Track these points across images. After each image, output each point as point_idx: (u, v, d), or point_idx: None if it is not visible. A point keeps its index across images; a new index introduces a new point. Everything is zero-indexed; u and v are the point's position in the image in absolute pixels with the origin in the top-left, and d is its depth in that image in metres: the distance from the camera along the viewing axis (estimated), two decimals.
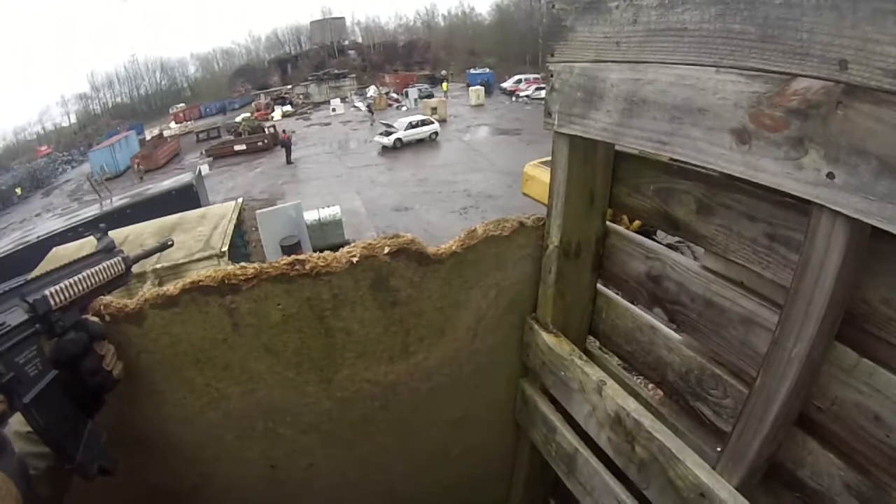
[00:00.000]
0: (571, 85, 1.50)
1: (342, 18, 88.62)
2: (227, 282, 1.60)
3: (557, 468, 2.06)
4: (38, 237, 20.79)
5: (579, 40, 1.44)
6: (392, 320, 1.81)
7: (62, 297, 1.34)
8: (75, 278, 1.42)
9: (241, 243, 16.46)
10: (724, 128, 1.08)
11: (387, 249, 1.66)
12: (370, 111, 51.63)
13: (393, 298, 1.76)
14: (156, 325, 1.60)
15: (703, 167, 1.29)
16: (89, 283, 1.47)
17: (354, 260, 1.65)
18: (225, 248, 13.20)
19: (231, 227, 14.61)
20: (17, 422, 1.23)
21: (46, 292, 1.30)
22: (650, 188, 1.55)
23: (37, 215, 37.82)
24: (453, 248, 1.76)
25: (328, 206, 21.18)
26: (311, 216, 19.98)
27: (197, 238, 11.77)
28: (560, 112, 1.58)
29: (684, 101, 1.16)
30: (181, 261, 11.75)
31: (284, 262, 1.64)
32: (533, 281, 1.95)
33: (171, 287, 1.59)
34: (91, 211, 23.46)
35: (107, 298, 1.57)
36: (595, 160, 1.65)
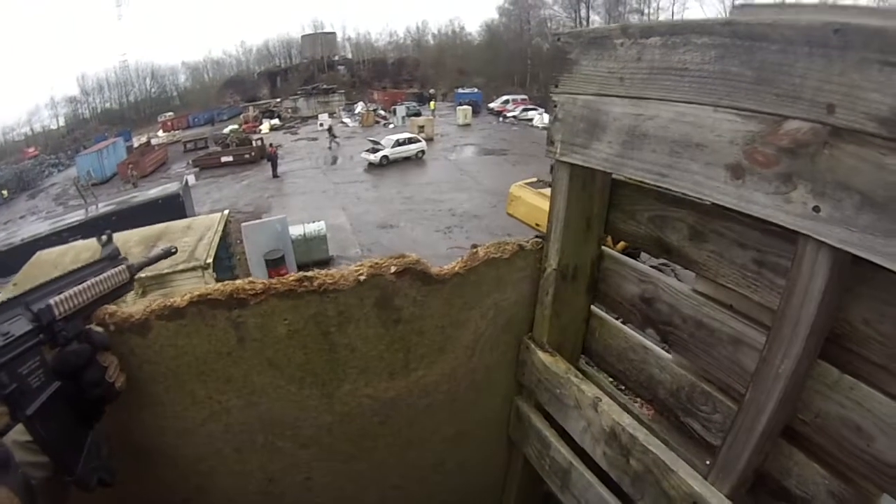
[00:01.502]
0: (574, 116, 1.58)
1: (333, 34, 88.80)
2: (235, 296, 1.61)
3: (551, 482, 2.11)
4: (22, 240, 20.62)
5: (583, 73, 1.53)
6: (394, 338, 1.85)
7: (67, 307, 1.31)
8: (80, 287, 1.39)
9: (226, 255, 16.41)
10: (720, 163, 1.17)
11: (393, 269, 1.71)
12: (331, 135, 46.54)
13: (396, 316, 1.80)
14: (160, 337, 1.60)
15: (698, 198, 1.39)
16: (94, 292, 1.45)
17: (362, 278, 1.69)
18: (210, 260, 13.16)
19: (217, 238, 14.58)
20: (15, 431, 1.20)
21: (51, 301, 1.27)
22: (645, 215, 1.64)
23: (21, 217, 37.42)
24: (456, 268, 1.81)
25: (313, 221, 21.19)
26: (296, 231, 19.99)
27: (182, 248, 11.71)
28: (563, 141, 1.65)
29: (683, 137, 1.24)
30: (165, 271, 11.69)
31: (293, 278, 1.67)
32: (529, 302, 2.01)
33: (179, 299, 1.59)
34: (76, 216, 23.31)
35: (111, 308, 1.55)
36: (593, 188, 1.74)
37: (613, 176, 1.72)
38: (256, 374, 1.77)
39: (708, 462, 1.48)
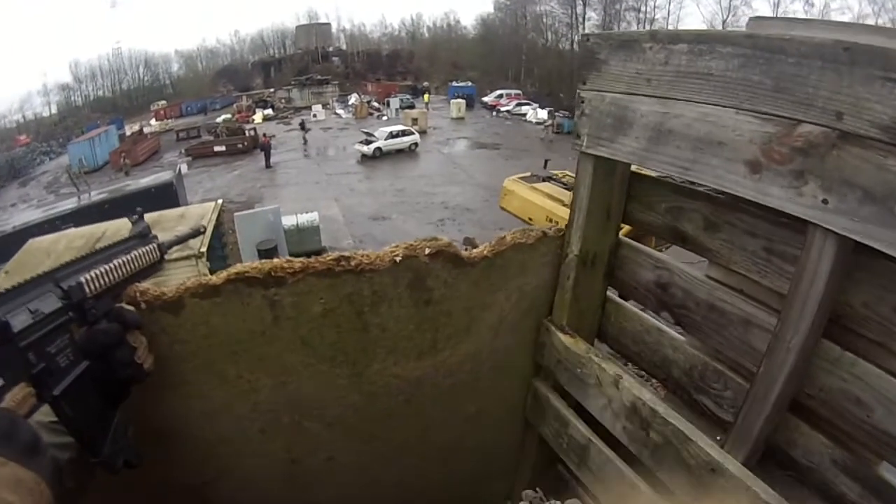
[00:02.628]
0: (602, 112, 1.70)
1: (328, 24, 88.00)
2: (273, 274, 1.62)
3: (569, 460, 2.22)
4: (14, 228, 20.44)
5: (612, 73, 1.65)
6: (424, 318, 1.91)
7: (98, 285, 1.29)
8: (111, 264, 1.37)
9: (219, 245, 16.37)
10: (739, 159, 1.31)
11: (427, 251, 1.78)
12: (304, 130, 43.96)
13: (427, 297, 1.87)
14: (193, 315, 1.60)
15: (712, 190, 1.53)
16: (125, 270, 1.42)
17: (398, 259, 1.74)
18: (203, 249, 13.06)
19: (210, 228, 14.55)
20: (40, 412, 1.13)
21: (82, 279, 1.24)
22: (662, 206, 1.77)
23: (12, 205, 37.04)
24: (484, 252, 1.89)
25: (306, 212, 21.13)
26: (288, 221, 19.86)
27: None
28: (589, 135, 1.77)
29: (706, 135, 1.38)
30: None
31: (330, 258, 1.69)
32: (550, 286, 2.12)
33: (215, 277, 1.60)
34: (68, 204, 23.09)
35: (143, 285, 1.54)
36: (614, 179, 1.86)
37: (633, 169, 1.84)
38: (289, 352, 1.79)
39: (719, 437, 1.60)
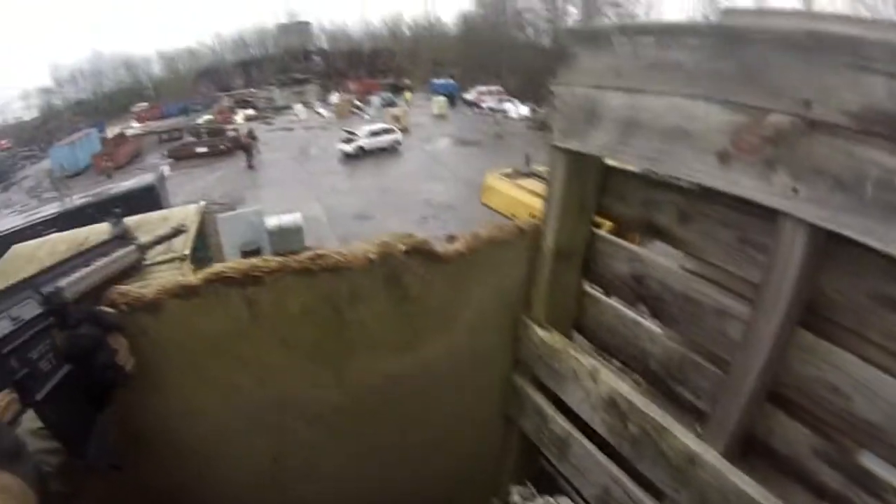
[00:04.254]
0: (572, 106, 1.70)
1: (308, 23, 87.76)
2: (250, 273, 1.62)
3: (549, 453, 2.23)
4: None
5: (582, 67, 1.64)
6: (402, 314, 1.91)
7: (77, 289, 1.30)
8: (91, 268, 1.38)
9: (202, 247, 16.27)
10: (709, 150, 1.30)
11: (402, 247, 1.78)
12: (248, 155, 36.73)
13: (404, 294, 1.87)
14: (173, 316, 1.59)
15: (685, 182, 1.53)
16: (104, 273, 1.44)
17: (372, 256, 1.74)
18: (187, 252, 12.99)
19: (194, 230, 14.47)
20: (27, 419, 1.16)
21: (61, 283, 1.25)
22: (636, 198, 1.77)
23: None
24: (460, 248, 1.90)
25: (289, 213, 21.07)
26: (271, 222, 19.82)
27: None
28: (560, 129, 1.77)
29: (676, 126, 1.37)
30: (144, 262, 11.56)
31: (307, 256, 1.69)
32: (526, 281, 2.12)
33: (193, 278, 1.60)
34: (51, 209, 22.89)
35: (123, 288, 1.53)
36: (587, 173, 1.86)
37: (607, 162, 1.84)
38: (268, 352, 1.78)
39: (698, 428, 1.61)
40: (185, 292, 1.58)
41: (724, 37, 1.23)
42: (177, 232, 2.01)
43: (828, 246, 1.21)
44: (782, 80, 1.13)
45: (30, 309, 1.16)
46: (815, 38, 1.06)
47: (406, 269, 1.83)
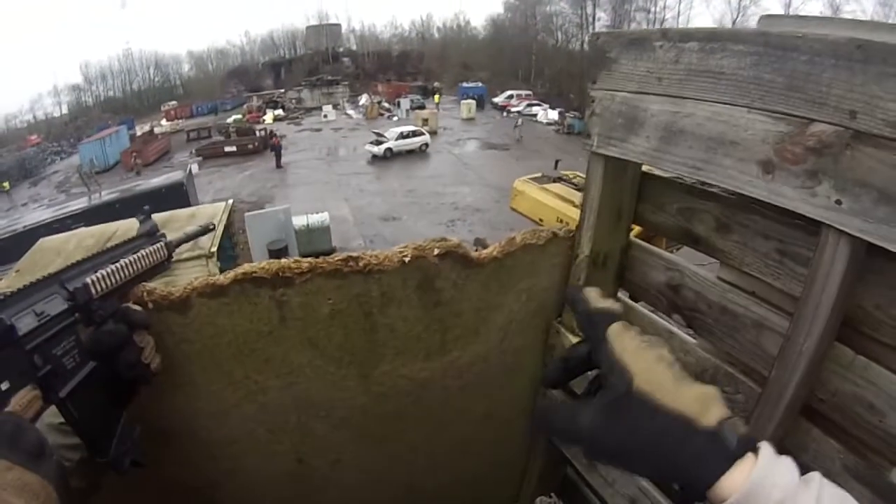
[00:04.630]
0: (612, 111, 1.68)
1: (338, 25, 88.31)
2: (280, 274, 1.61)
3: (577, 462, 2.21)
4: (25, 227, 20.64)
5: (622, 72, 1.62)
6: (433, 319, 1.89)
7: (104, 285, 1.28)
8: (118, 265, 1.36)
9: (229, 245, 16.46)
10: (752, 159, 1.28)
11: (436, 251, 1.76)
12: (278, 156, 36.67)
13: (436, 298, 1.85)
14: (201, 315, 1.58)
15: (725, 191, 1.51)
16: (132, 270, 1.41)
17: (406, 259, 1.72)
18: (214, 249, 13.17)
19: (221, 228, 14.62)
20: (48, 413, 1.14)
21: (88, 280, 1.23)
22: (673, 207, 1.74)
23: (23, 205, 37.44)
24: (494, 253, 1.88)
25: (317, 213, 21.23)
26: (299, 221, 20.04)
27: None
28: (599, 135, 1.75)
29: (718, 135, 1.35)
30: None
31: (338, 258, 1.67)
32: (559, 288, 2.10)
33: (222, 277, 1.59)
34: (79, 204, 23.33)
35: (150, 285, 1.52)
36: (625, 179, 1.84)
37: (644, 169, 1.82)
38: (296, 353, 1.77)
39: None
40: (213, 291, 1.57)
41: (768, 44, 1.21)
42: (205, 230, 1.99)
43: (869, 260, 1.19)
44: (827, 90, 1.11)
45: (55, 305, 1.14)
46: (862, 48, 1.04)
47: (439, 273, 1.81)
